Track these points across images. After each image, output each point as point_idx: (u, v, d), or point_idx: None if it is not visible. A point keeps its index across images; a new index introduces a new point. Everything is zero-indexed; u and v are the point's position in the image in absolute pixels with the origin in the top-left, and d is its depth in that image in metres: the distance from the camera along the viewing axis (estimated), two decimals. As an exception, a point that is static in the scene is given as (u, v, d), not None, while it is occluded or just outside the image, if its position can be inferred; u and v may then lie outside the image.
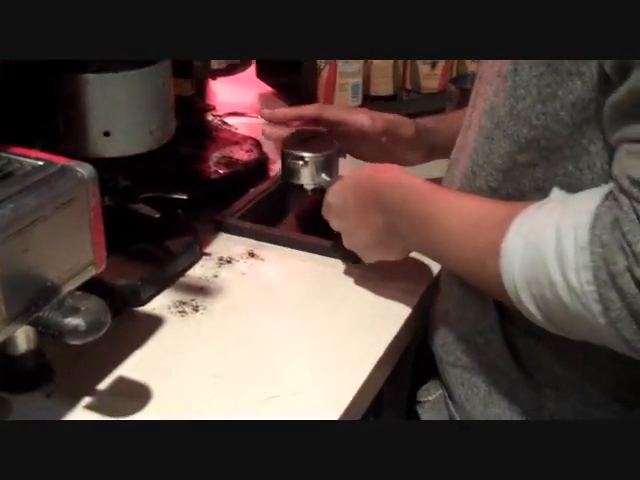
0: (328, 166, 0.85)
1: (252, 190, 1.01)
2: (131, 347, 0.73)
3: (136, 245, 0.83)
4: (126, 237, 0.82)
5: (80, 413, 0.65)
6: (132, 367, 0.71)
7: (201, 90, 1.01)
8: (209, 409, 0.65)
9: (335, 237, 0.82)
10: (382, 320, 0.77)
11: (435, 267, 0.84)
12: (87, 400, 0.67)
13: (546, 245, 0.53)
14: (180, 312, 0.79)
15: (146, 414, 0.65)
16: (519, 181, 0.66)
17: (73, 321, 0.53)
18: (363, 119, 0.86)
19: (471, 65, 1.27)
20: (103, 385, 0.69)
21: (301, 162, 0.84)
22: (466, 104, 0.80)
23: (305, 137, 0.87)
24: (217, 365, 0.71)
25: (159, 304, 0.80)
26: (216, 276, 0.84)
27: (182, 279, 0.84)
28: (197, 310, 0.79)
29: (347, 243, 0.79)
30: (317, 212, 0.83)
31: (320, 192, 0.83)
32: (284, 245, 0.90)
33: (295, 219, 0.96)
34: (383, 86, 1.22)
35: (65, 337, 0.53)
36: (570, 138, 0.61)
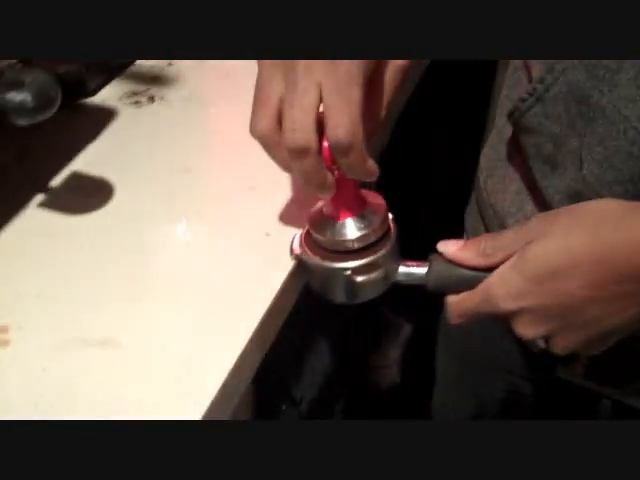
0: (397, 251, 0.52)
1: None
2: (83, 141, 0.66)
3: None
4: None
5: (33, 212, 0.59)
6: (86, 162, 0.64)
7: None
8: (178, 203, 0.60)
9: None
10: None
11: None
12: (40, 198, 0.60)
13: None
14: (134, 103, 0.71)
15: (104, 211, 0.59)
16: None
17: (18, 96, 0.45)
18: None
19: None
20: (56, 181, 0.62)
21: (364, 276, 0.51)
22: None
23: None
24: (181, 158, 0.65)
25: (109, 95, 0.72)
26: (171, 64, 0.76)
27: (132, 68, 0.75)
28: (153, 100, 0.71)
29: (569, 342, 0.48)
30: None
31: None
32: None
33: None
34: None
35: (10, 116, 0.45)
36: None
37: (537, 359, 0.66)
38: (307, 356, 0.69)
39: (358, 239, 0.50)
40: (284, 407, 0.61)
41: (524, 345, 0.66)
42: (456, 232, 0.67)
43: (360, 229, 0.50)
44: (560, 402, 0.73)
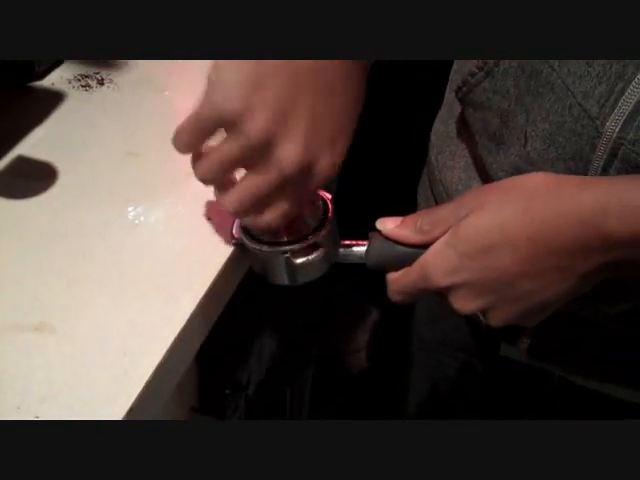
0: (336, 231, 0.53)
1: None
2: (30, 124, 0.65)
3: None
4: None
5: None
6: (32, 146, 0.63)
7: None
8: (122, 185, 0.60)
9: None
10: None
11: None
12: (-17, 182, 0.60)
13: None
14: (84, 86, 0.70)
15: (48, 195, 0.59)
16: None
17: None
18: None
19: None
20: (0, 165, 0.61)
21: (304, 258, 0.51)
22: None
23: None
24: (129, 142, 0.64)
25: (58, 78, 0.71)
26: (122, 47, 0.75)
27: (83, 51, 0.74)
28: (103, 84, 0.71)
29: (505, 315, 0.48)
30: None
31: None
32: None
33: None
34: None
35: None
36: None
37: (485, 336, 0.66)
38: (255, 341, 0.69)
39: (292, 250, 0.50)
40: (228, 392, 0.61)
41: (472, 321, 0.66)
42: (411, 208, 0.67)
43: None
44: (511, 378, 0.74)
